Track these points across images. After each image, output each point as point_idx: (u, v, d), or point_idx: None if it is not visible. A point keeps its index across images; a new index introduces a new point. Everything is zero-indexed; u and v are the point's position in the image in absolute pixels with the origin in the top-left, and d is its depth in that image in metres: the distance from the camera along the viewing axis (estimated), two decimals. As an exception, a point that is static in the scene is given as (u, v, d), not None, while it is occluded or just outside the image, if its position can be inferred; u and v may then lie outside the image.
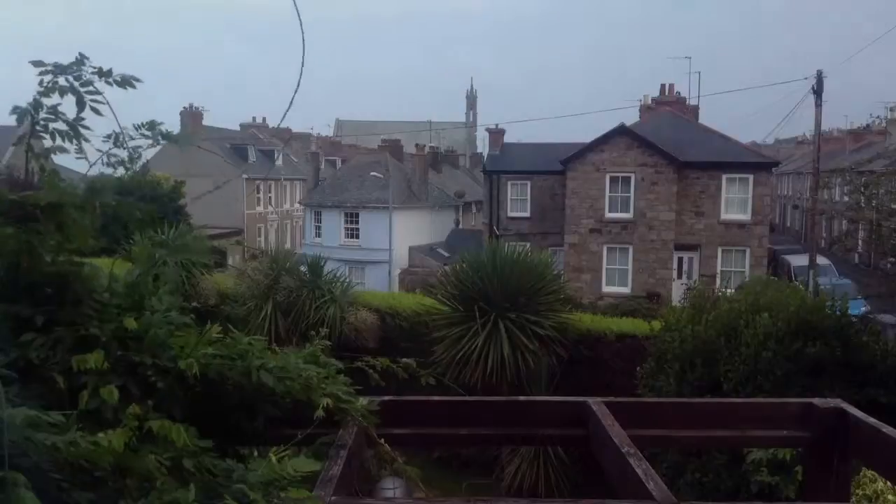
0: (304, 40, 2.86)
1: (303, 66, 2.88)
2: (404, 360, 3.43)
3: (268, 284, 14.08)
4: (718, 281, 23.40)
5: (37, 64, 2.44)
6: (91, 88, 2.45)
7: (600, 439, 2.97)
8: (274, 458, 2.19)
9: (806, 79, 25.69)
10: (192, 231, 17.94)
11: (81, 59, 2.45)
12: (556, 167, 28.06)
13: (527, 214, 30.08)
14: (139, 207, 2.77)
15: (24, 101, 2.44)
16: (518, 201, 30.27)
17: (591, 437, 3.13)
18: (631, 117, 33.22)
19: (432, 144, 55.44)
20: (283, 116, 3.09)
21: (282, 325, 13.48)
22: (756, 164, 27.76)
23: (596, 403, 3.18)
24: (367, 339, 13.12)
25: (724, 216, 27.27)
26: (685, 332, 10.46)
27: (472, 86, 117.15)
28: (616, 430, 2.87)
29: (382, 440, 2.92)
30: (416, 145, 44.63)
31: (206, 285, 14.04)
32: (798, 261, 30.52)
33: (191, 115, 48.41)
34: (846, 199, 33.66)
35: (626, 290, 26.97)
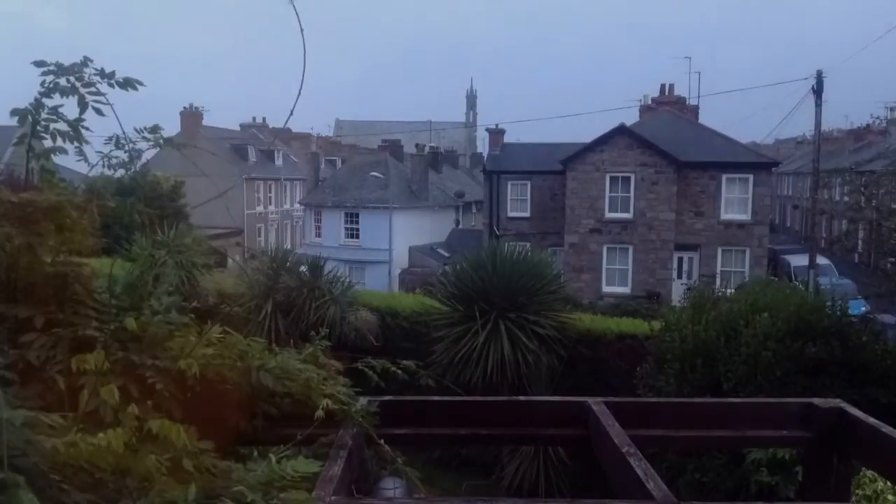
0: (304, 42, 2.86)
1: (304, 67, 2.88)
2: (404, 362, 3.43)
3: (268, 284, 14.07)
4: (718, 281, 23.38)
5: (39, 64, 2.44)
6: (93, 90, 2.45)
7: (600, 439, 2.97)
8: (274, 459, 2.19)
9: (806, 79, 25.74)
10: (191, 231, 17.94)
11: (85, 61, 2.46)
12: (556, 167, 28.07)
13: (527, 214, 30.09)
14: (139, 209, 2.77)
15: (25, 101, 2.45)
16: (518, 201, 30.28)
17: (591, 437, 3.13)
18: (631, 117, 33.26)
19: (432, 144, 55.42)
20: (288, 118, 3.10)
21: (282, 325, 13.47)
22: (756, 164, 27.78)
23: (596, 403, 3.18)
24: (367, 340, 13.11)
25: (724, 216, 27.28)
26: (685, 332, 10.46)
27: (472, 86, 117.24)
28: (616, 430, 2.87)
29: (382, 440, 2.92)
30: (416, 145, 44.62)
31: (206, 285, 14.03)
32: (798, 261, 30.53)
33: (191, 115, 48.42)
34: (846, 199, 33.67)
35: (626, 290, 26.98)
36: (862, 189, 25.02)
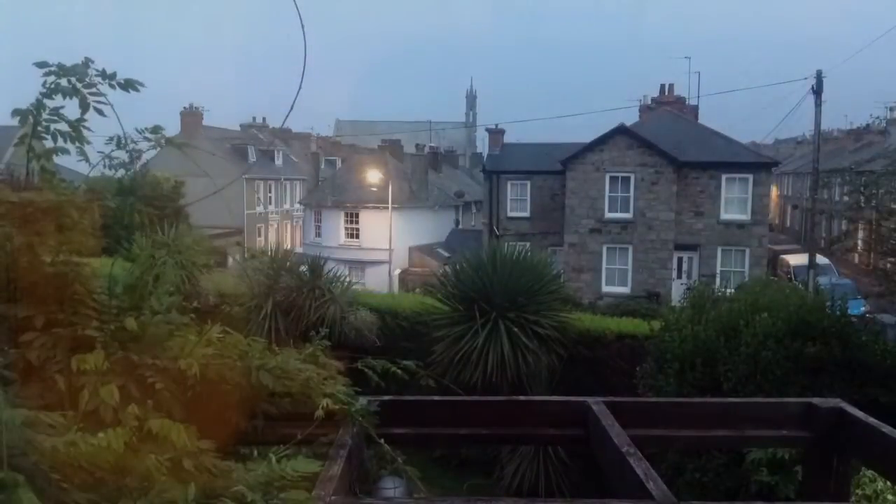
0: (304, 41, 2.86)
1: (304, 65, 2.89)
2: (405, 362, 3.43)
3: (268, 284, 14.06)
4: (718, 281, 23.39)
5: (41, 65, 2.44)
6: (94, 90, 2.45)
7: (600, 439, 2.97)
8: (274, 459, 2.19)
9: (806, 79, 25.70)
10: (191, 231, 17.94)
11: (86, 62, 2.46)
12: (556, 167, 28.06)
13: (527, 214, 30.08)
14: (139, 209, 2.77)
15: (27, 100, 2.44)
16: (518, 201, 30.27)
17: (591, 437, 3.13)
18: (631, 117, 33.25)
19: (432, 144, 55.42)
20: (286, 117, 3.11)
21: (282, 325, 13.46)
22: (756, 164, 27.76)
23: (596, 403, 3.19)
24: (367, 339, 13.10)
25: (724, 216, 27.27)
26: (685, 332, 10.45)
27: (472, 86, 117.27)
28: (616, 430, 2.87)
29: (382, 440, 2.92)
30: (416, 145, 44.63)
31: (206, 285, 14.01)
32: (798, 261, 30.53)
33: (191, 115, 48.42)
34: (846, 199, 33.67)
35: (625, 289, 26.97)
36: (862, 189, 25.03)
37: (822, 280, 23.43)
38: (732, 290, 13.15)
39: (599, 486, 3.15)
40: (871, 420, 3.00)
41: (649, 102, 34.45)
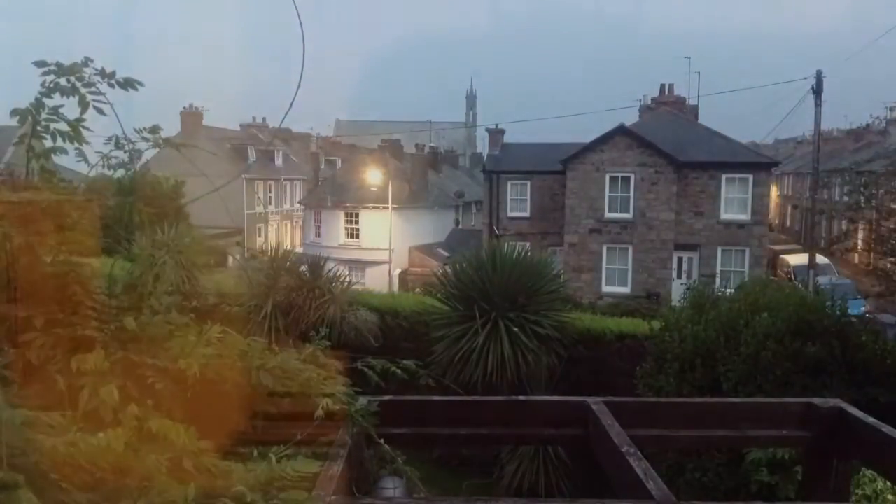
0: (303, 41, 2.86)
1: (303, 65, 2.89)
2: (405, 361, 3.43)
3: (268, 284, 14.06)
4: (718, 281, 23.37)
5: (39, 64, 2.43)
6: (93, 90, 2.45)
7: (600, 439, 2.98)
8: (274, 459, 2.19)
9: (805, 79, 25.73)
10: (191, 231, 17.91)
11: (85, 61, 2.46)
12: (556, 167, 28.06)
13: (527, 214, 30.07)
14: (140, 209, 2.77)
15: (26, 99, 2.44)
16: (518, 201, 30.26)
17: (591, 437, 3.13)
18: (631, 117, 33.24)
19: (432, 144, 55.40)
20: (284, 117, 3.11)
21: (281, 325, 13.46)
22: (756, 163, 27.77)
23: (596, 403, 3.19)
24: (367, 339, 13.10)
25: (724, 216, 27.27)
26: (685, 331, 10.45)
27: (472, 86, 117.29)
28: (616, 430, 2.88)
29: (382, 440, 2.93)
30: (416, 145, 44.61)
31: (206, 285, 13.99)
32: (798, 261, 30.53)
33: (191, 115, 48.42)
34: (846, 199, 33.66)
35: (625, 289, 26.97)
36: (862, 189, 25.03)
37: (822, 280, 23.44)
38: (732, 290, 13.14)
39: (599, 486, 3.15)
40: (871, 420, 3.00)
41: (649, 102, 34.44)
